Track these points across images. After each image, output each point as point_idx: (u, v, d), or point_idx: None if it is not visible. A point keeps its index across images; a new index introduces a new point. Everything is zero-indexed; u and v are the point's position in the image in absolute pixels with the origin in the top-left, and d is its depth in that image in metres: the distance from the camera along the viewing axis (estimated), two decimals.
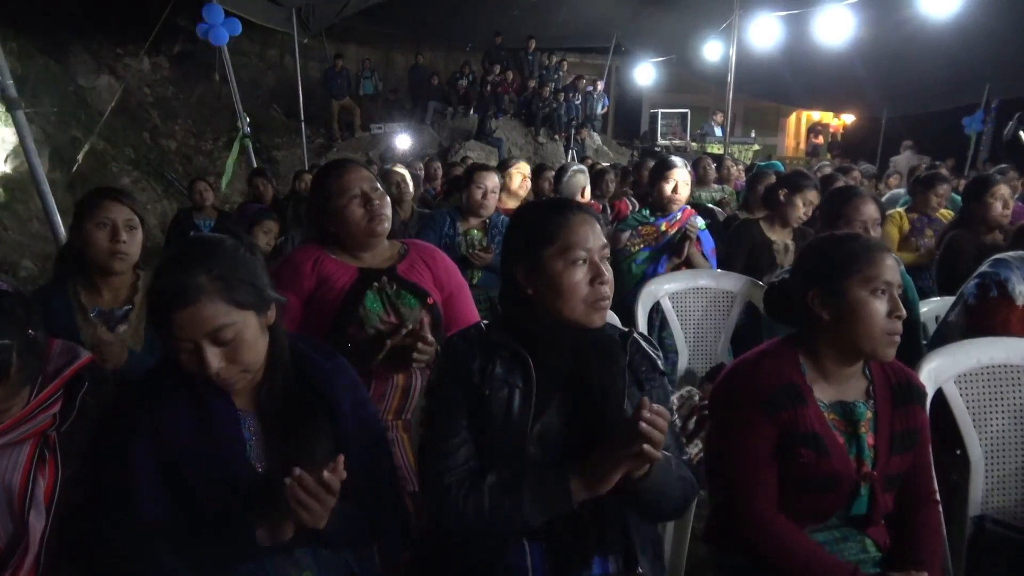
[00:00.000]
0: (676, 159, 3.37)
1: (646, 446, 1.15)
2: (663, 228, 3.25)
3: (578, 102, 13.23)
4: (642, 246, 3.25)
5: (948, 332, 2.24)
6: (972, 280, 2.23)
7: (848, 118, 16.26)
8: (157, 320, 1.22)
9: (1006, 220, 3.21)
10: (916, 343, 2.44)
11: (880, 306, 1.44)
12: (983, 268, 2.23)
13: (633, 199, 4.95)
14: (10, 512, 1.25)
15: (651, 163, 4.32)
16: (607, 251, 1.33)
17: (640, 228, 3.27)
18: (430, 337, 1.71)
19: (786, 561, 1.41)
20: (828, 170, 6.44)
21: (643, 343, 1.40)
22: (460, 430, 1.29)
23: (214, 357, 1.20)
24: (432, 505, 1.30)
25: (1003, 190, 3.20)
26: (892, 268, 1.46)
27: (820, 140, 15.81)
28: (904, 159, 10.73)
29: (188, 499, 1.24)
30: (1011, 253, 2.24)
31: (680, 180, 3.22)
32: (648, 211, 3.32)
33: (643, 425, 1.14)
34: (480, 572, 1.29)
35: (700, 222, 3.30)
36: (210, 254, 1.23)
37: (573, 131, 12.94)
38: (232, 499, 1.25)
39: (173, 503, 1.24)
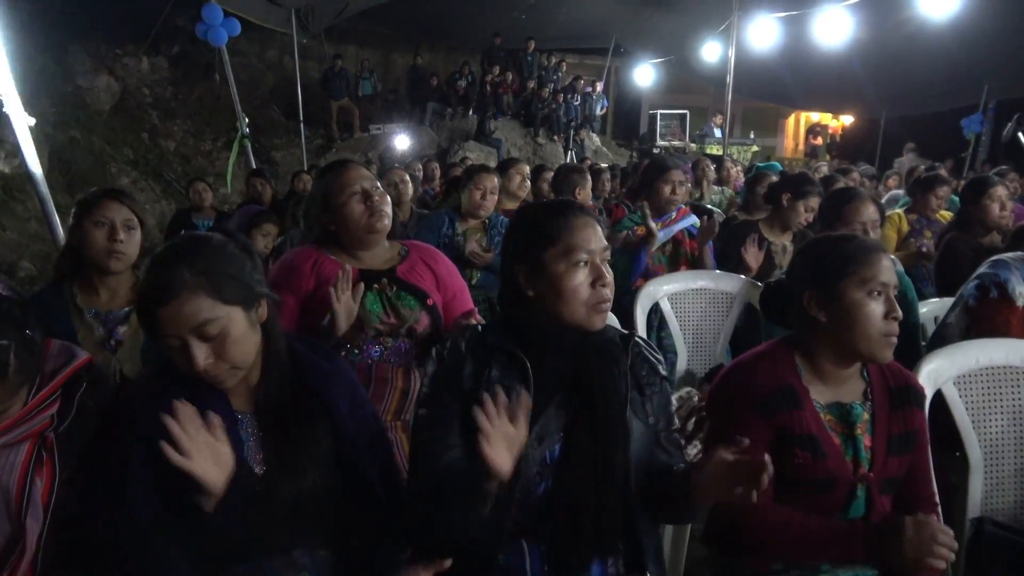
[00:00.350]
0: (672, 160, 3.37)
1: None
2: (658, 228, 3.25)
3: (577, 103, 13.20)
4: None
5: (947, 333, 2.24)
6: (971, 281, 2.22)
7: (847, 119, 16.24)
8: (144, 318, 1.22)
9: (1004, 222, 3.18)
10: (915, 344, 2.44)
11: (877, 307, 1.43)
12: (982, 269, 2.23)
13: (627, 203, 4.92)
14: (7, 513, 1.25)
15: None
16: (608, 253, 1.33)
17: (636, 229, 3.27)
18: None
19: (787, 536, 1.41)
20: (825, 170, 6.44)
21: (644, 348, 1.40)
22: (448, 442, 1.28)
23: (200, 352, 1.20)
24: (409, 516, 1.31)
25: (1000, 192, 3.18)
26: (888, 269, 1.46)
27: (819, 141, 15.84)
28: (907, 161, 10.73)
29: (185, 500, 1.24)
30: (1009, 254, 2.24)
31: (678, 181, 3.23)
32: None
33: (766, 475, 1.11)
34: (479, 572, 1.29)
35: (695, 219, 3.30)
36: (194, 250, 1.23)
37: (572, 132, 12.93)
38: (228, 500, 1.24)
39: (170, 504, 1.24)
